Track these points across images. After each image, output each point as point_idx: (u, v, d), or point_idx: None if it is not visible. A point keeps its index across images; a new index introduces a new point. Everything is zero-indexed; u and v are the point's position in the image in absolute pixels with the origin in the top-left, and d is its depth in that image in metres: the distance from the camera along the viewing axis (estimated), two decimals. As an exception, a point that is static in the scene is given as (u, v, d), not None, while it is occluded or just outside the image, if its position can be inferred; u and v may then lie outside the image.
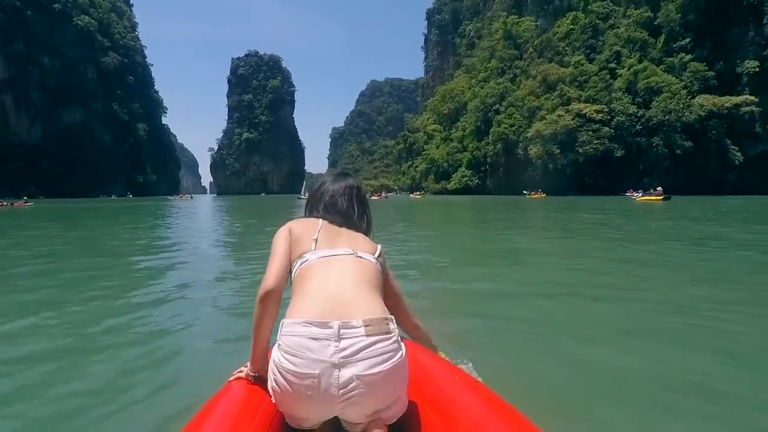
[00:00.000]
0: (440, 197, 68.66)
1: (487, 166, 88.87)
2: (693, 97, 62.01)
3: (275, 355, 1.08)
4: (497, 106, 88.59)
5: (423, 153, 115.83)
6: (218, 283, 5.06)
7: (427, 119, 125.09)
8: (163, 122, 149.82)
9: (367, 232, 1.43)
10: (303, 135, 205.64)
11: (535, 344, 2.80)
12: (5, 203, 35.44)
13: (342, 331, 1.03)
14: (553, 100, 77.13)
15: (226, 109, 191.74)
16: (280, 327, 1.11)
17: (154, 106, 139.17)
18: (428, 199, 62.02)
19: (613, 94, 70.13)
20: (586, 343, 2.82)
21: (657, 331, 3.02)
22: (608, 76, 72.55)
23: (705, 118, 59.92)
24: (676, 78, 64.44)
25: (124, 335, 3.06)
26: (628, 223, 13.76)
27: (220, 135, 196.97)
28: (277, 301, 1.18)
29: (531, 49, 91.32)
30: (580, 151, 68.15)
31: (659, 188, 37.44)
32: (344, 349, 1.01)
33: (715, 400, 2.04)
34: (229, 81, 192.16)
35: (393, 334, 1.08)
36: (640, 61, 69.42)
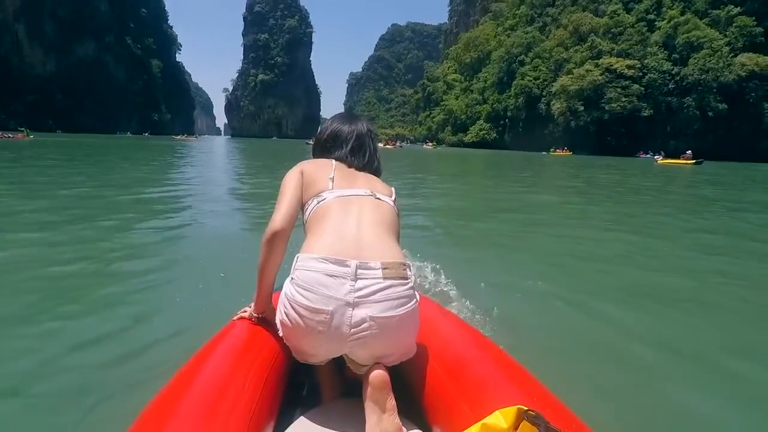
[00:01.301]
0: (456, 150, 67.08)
1: (507, 120, 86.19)
2: (735, 56, 57.78)
3: (287, 288, 1.07)
4: (523, 57, 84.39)
5: (441, 103, 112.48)
6: (228, 220, 5.35)
7: (448, 68, 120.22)
8: (177, 59, 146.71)
9: (378, 176, 1.41)
10: (319, 79, 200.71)
11: (552, 306, 2.72)
12: (2, 134, 35.15)
13: (359, 271, 1.02)
14: (582, 52, 72.87)
15: (242, 48, 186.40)
16: (294, 261, 1.09)
17: (167, 42, 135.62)
18: (440, 150, 60.66)
19: (648, 49, 65.78)
20: (602, 305, 2.75)
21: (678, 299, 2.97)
22: (645, 29, 67.73)
23: (745, 78, 56.09)
24: (720, 33, 59.76)
25: (127, 270, 3.13)
26: (663, 186, 13.00)
27: (235, 76, 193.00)
28: (283, 244, 1.16)
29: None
30: (606, 108, 65.12)
31: (688, 152, 35.34)
32: (360, 289, 1.01)
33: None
34: (244, 18, 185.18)
35: (409, 280, 1.08)
36: (682, 13, 64.29)
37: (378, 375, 1.04)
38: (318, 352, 1.08)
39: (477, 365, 1.04)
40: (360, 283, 1.01)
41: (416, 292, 1.11)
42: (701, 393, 1.78)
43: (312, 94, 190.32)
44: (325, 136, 1.42)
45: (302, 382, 1.33)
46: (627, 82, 64.64)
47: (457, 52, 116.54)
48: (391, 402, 1.02)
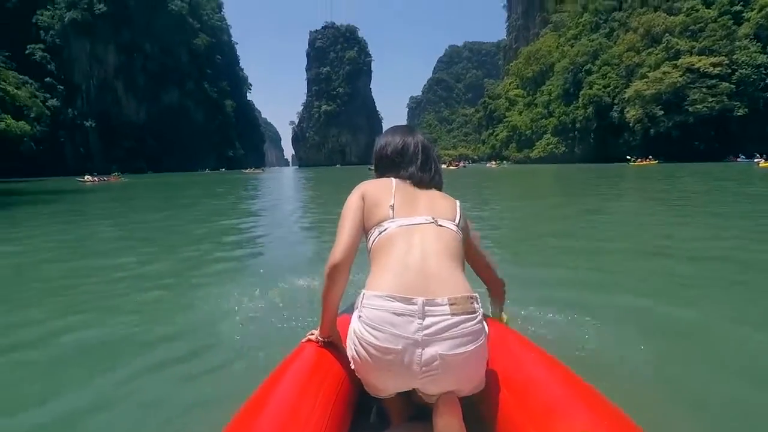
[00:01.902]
0: (522, 166, 64.41)
1: (576, 132, 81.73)
2: None
3: (356, 325, 1.07)
4: (589, 65, 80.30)
5: (504, 120, 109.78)
6: (296, 246, 5.79)
7: (509, 84, 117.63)
8: (248, 98, 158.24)
9: (440, 189, 1.37)
10: (380, 105, 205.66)
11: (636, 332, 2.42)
12: (99, 179, 39.01)
13: (426, 308, 1.00)
14: (657, 54, 67.64)
15: (305, 82, 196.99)
16: (360, 298, 1.09)
17: (239, 83, 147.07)
18: (505, 167, 58.31)
19: (737, 43, 59.39)
20: (692, 326, 2.50)
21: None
22: (731, 22, 61.42)
23: None
24: (825, 17, 52.60)
25: (203, 295, 3.37)
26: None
27: (300, 109, 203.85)
28: (344, 275, 1.17)
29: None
30: (690, 111, 59.33)
31: None
32: (428, 327, 0.99)
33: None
34: (307, 54, 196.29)
35: (478, 314, 1.06)
36: (775, 0, 57.61)
37: (448, 403, 1.06)
38: (387, 387, 1.08)
39: (546, 388, 1.01)
40: (428, 321, 0.99)
41: (485, 324, 1.09)
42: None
43: (373, 121, 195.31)
44: (389, 151, 1.36)
45: (370, 405, 1.33)
46: (713, 81, 58.53)
47: (518, 67, 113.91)
48: (462, 429, 1.05)
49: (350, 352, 1.10)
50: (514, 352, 1.22)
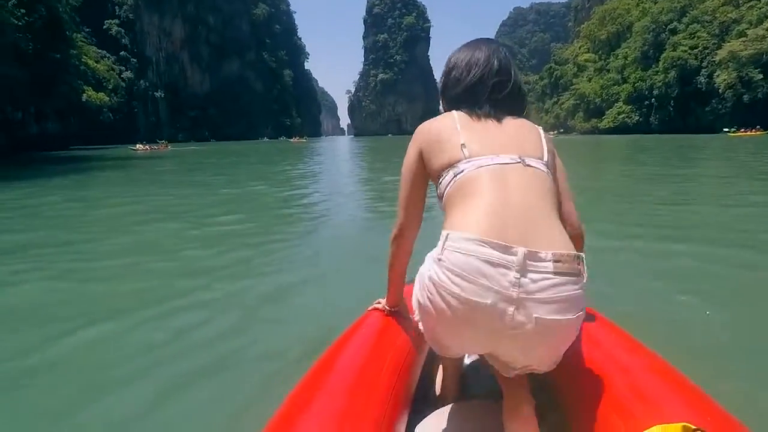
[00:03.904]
0: (589, 137, 59.60)
1: (653, 99, 74.24)
2: None
3: (432, 270, 0.87)
4: (675, 23, 71.80)
5: (571, 88, 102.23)
6: (357, 215, 5.94)
7: (579, 48, 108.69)
8: (305, 68, 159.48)
9: (521, 114, 1.10)
10: (438, 73, 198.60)
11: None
12: (151, 147, 40.65)
13: (528, 262, 0.82)
14: (761, 8, 58.77)
15: (362, 51, 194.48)
16: (443, 239, 0.88)
17: (297, 53, 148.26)
18: (567, 138, 54.16)
19: None
20: None
21: None
22: None
23: None
24: None
25: (269, 264, 3.56)
26: None
27: (356, 77, 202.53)
28: (410, 241, 1.09)
29: (733, -58, 69.72)
30: (797, 74, 51.39)
31: None
32: (526, 284, 0.81)
33: None
34: (365, 21, 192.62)
35: (582, 277, 0.87)
36: None
37: (519, 382, 0.96)
38: (462, 345, 0.93)
39: (632, 374, 0.92)
40: (527, 277, 0.82)
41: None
42: None
43: (430, 89, 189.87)
44: (456, 74, 1.10)
45: (433, 378, 1.29)
46: (831, 39, 50.02)
47: (591, 29, 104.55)
48: (531, 409, 0.93)
49: (420, 299, 0.91)
50: (597, 333, 1.12)
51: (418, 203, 1.07)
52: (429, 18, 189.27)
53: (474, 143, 0.98)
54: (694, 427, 0.57)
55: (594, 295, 1.27)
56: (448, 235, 0.88)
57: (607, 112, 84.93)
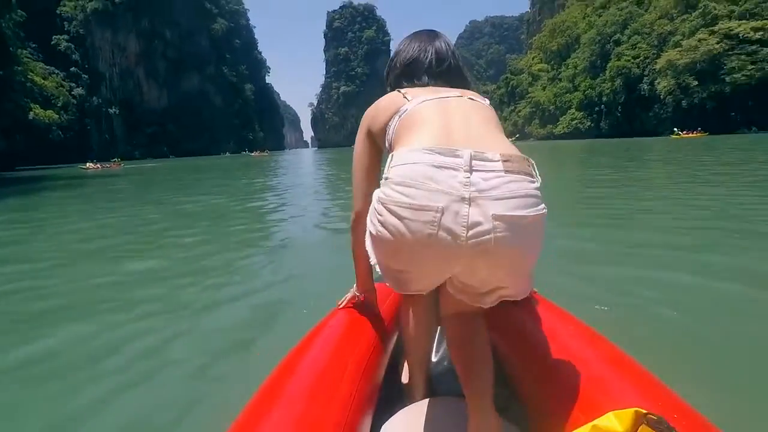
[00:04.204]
0: (545, 143, 62.15)
1: (602, 106, 78.47)
2: None
3: (379, 193, 0.84)
4: (618, 35, 76.52)
5: (527, 96, 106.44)
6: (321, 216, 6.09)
7: (533, 58, 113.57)
8: (266, 81, 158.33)
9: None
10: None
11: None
12: (102, 165, 38.71)
13: (474, 162, 0.78)
14: (692, 21, 63.54)
15: (324, 63, 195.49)
16: (388, 161, 0.86)
17: (258, 67, 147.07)
18: (523, 144, 56.25)
19: (781, 5, 55.13)
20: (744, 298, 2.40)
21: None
22: (775, -18, 56.96)
23: None
24: None
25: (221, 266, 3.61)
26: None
27: (318, 90, 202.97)
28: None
29: (666, -40, 75.43)
30: (727, 80, 55.80)
31: None
32: (476, 183, 0.77)
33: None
34: (325, 35, 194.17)
35: (537, 180, 0.83)
36: (825, -45, 53.00)
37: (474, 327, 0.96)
38: (422, 268, 0.84)
39: (588, 362, 0.94)
40: (476, 176, 0.77)
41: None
42: None
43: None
44: (400, 60, 1.13)
45: (400, 377, 1.28)
46: (754, 47, 54.69)
47: (542, 41, 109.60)
48: (491, 401, 0.90)
49: (373, 229, 0.85)
50: (553, 322, 1.14)
51: (371, 187, 1.02)
52: (389, 31, 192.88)
53: (417, 92, 1.00)
54: (644, 411, 0.59)
55: (549, 286, 1.69)
56: (392, 155, 0.86)
57: (561, 119, 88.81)
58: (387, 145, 0.99)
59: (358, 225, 1.06)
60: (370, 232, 0.87)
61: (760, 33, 54.42)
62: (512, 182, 0.78)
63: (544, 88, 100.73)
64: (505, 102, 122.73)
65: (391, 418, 1.02)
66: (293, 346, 1.05)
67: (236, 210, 7.41)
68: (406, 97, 0.98)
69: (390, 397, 1.16)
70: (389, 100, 1.02)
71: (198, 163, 37.66)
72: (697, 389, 1.03)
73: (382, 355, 1.12)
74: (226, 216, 6.70)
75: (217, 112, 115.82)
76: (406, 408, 1.06)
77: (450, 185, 0.77)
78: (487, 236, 0.76)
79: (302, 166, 26.01)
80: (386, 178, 0.83)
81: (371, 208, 0.87)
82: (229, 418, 0.80)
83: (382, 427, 1.00)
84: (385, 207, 0.81)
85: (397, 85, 1.10)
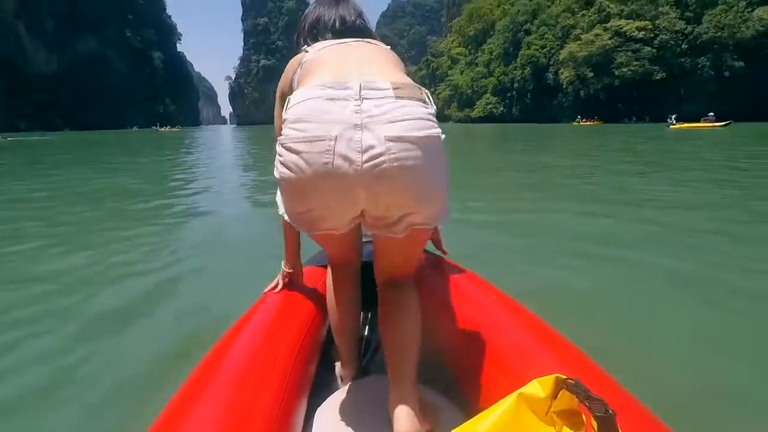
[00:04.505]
0: (460, 126, 65.55)
1: (514, 92, 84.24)
2: (753, 10, 55.11)
3: (280, 139, 0.84)
4: (528, 25, 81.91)
5: (446, 79, 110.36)
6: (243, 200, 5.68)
7: (452, 42, 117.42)
8: (178, 50, 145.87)
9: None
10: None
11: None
12: None
13: (365, 91, 0.80)
14: (590, 16, 70.22)
15: (242, 34, 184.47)
16: (285, 105, 0.88)
17: (167, 33, 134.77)
18: (442, 126, 59.06)
19: (660, 9, 63.04)
20: (647, 265, 2.64)
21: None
22: (656, -14, 64.90)
23: (763, 34, 53.61)
24: (736, -13, 57.06)
25: (146, 251, 3.22)
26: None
27: (237, 63, 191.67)
28: None
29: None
30: (616, 74, 63.07)
31: (710, 114, 33.88)
32: (368, 109, 0.79)
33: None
34: (242, 3, 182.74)
35: (430, 106, 0.85)
36: (694, -32, 61.40)
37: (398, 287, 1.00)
38: (326, 200, 0.83)
39: (512, 332, 0.98)
40: (367, 104, 0.79)
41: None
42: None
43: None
44: (305, 25, 1.17)
45: (334, 361, 1.28)
46: (638, 45, 62.17)
47: (461, 25, 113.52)
48: (410, 376, 0.91)
49: (276, 173, 0.87)
50: (478, 295, 1.17)
51: None
52: (311, 4, 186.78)
53: (317, 45, 1.03)
54: (564, 376, 0.63)
55: (471, 258, 1.95)
56: (288, 98, 0.87)
57: (477, 103, 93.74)
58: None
59: None
60: (277, 179, 0.87)
61: (643, 32, 62.02)
62: (404, 107, 0.80)
63: (462, 72, 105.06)
64: (426, 84, 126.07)
65: (324, 402, 1.04)
66: (222, 334, 1.04)
67: (147, 191, 6.56)
68: (306, 50, 1.01)
69: (326, 382, 1.18)
70: (293, 59, 1.04)
71: (94, 138, 33.43)
72: (609, 353, 1.13)
73: (315, 338, 1.13)
74: (134, 196, 6.00)
75: (121, 80, 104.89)
76: (338, 390, 1.07)
77: (342, 115, 0.78)
78: (382, 158, 0.77)
79: (217, 144, 23.44)
80: (284, 120, 0.84)
81: (276, 146, 0.86)
82: (154, 412, 0.78)
83: (316, 411, 1.02)
84: (283, 147, 0.82)
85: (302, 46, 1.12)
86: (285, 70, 1.07)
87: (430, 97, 0.87)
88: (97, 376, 1.66)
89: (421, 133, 0.79)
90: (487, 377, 0.92)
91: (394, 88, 0.82)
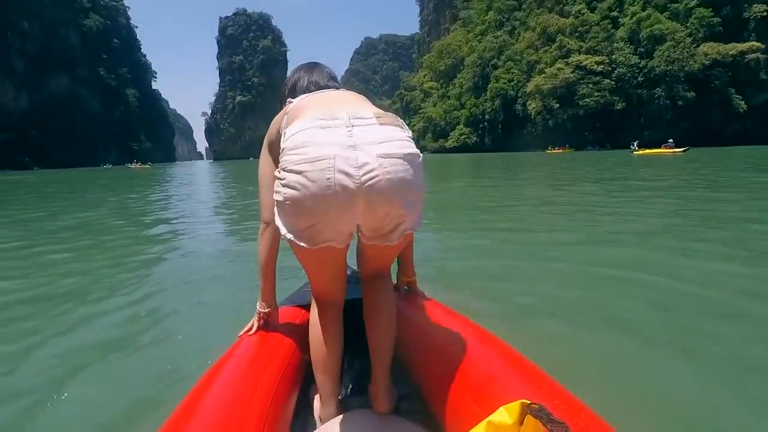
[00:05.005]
0: (436, 156, 67.39)
1: (486, 123, 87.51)
2: (698, 45, 60.10)
3: (281, 165, 0.93)
4: (495, 60, 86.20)
5: (420, 112, 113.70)
6: (223, 237, 5.28)
7: (424, 76, 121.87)
8: (153, 88, 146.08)
9: None
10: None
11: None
12: None
13: (353, 120, 0.94)
14: (552, 52, 74.82)
15: (217, 71, 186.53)
16: (282, 139, 0.97)
17: (142, 71, 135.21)
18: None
19: (615, 45, 67.92)
20: (610, 291, 2.66)
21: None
22: (610, 26, 69.98)
23: (709, 67, 58.34)
24: (681, 25, 62.19)
25: (121, 295, 2.95)
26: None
27: (212, 99, 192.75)
28: (275, 234, 1.15)
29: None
30: (580, 104, 66.85)
31: (670, 141, 35.58)
32: (358, 135, 0.91)
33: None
34: (218, 42, 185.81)
35: (407, 131, 0.99)
36: (643, 9, 66.75)
37: (381, 372, 1.09)
38: (329, 214, 0.90)
39: (482, 360, 1.02)
40: (356, 130, 0.92)
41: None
42: (728, 389, 1.62)
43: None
44: (287, 87, 1.34)
45: (312, 399, 1.27)
46: (598, 78, 66.48)
47: (431, 60, 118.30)
48: (391, 399, 1.08)
49: (278, 196, 0.94)
50: (448, 324, 1.22)
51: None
52: (285, 42, 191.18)
53: (300, 96, 1.17)
54: (528, 402, 0.64)
55: (442, 289, 2.13)
56: (285, 132, 0.97)
57: (451, 134, 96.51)
58: (281, 138, 1.05)
59: (264, 232, 1.18)
60: (277, 202, 0.95)
61: (602, 66, 66.40)
62: (387, 131, 0.94)
63: (435, 105, 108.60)
64: (400, 116, 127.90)
65: None
66: (198, 380, 1.03)
67: (116, 228, 6.17)
68: (290, 101, 1.16)
69: (304, 421, 1.19)
70: (279, 113, 1.17)
71: (57, 177, 30.80)
72: (575, 377, 1.14)
73: (293, 379, 1.14)
74: (104, 233, 5.69)
75: (95, 118, 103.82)
76: (320, 428, 1.06)
77: (336, 139, 0.90)
78: (376, 172, 0.88)
79: (191, 180, 21.11)
80: (282, 149, 0.93)
81: (275, 184, 0.96)
82: None
83: None
84: (285, 170, 0.91)
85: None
86: (271, 123, 1.19)
87: (405, 125, 1.02)
88: (68, 419, 1.55)
89: (405, 151, 0.93)
90: (459, 404, 0.94)
91: (377, 117, 0.96)
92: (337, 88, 1.27)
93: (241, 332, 1.26)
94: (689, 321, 2.20)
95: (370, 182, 0.88)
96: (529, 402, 0.64)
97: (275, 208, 0.98)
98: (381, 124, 0.95)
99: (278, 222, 0.98)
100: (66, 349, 2.11)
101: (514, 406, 0.65)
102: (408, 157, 0.93)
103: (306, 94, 1.16)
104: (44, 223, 6.87)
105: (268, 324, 1.26)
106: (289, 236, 0.96)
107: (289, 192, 0.90)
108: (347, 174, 0.87)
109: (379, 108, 1.04)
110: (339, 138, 0.90)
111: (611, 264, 3.16)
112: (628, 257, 3.41)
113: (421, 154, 0.98)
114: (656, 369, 1.75)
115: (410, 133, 0.99)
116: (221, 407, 0.89)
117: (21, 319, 2.55)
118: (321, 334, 1.13)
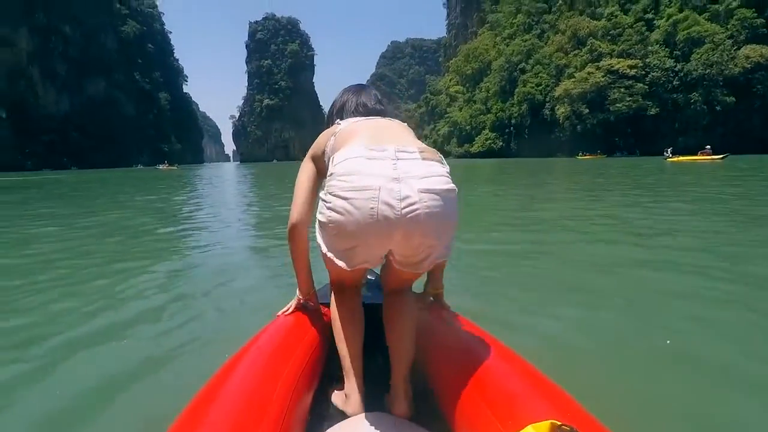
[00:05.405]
0: (462, 161, 66.44)
1: (512, 128, 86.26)
2: (738, 48, 57.44)
3: (326, 188, 1.02)
4: (523, 64, 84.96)
5: (445, 116, 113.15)
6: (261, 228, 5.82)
7: (450, 80, 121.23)
8: (184, 91, 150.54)
9: None
10: (324, 100, 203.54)
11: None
12: None
13: (398, 153, 1.01)
14: (582, 56, 73.09)
15: (246, 75, 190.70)
16: (330, 164, 1.06)
17: (174, 75, 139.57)
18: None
19: (649, 48, 65.72)
20: (639, 314, 2.47)
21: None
22: (644, 28, 67.79)
23: (750, 70, 55.64)
24: (721, 27, 59.56)
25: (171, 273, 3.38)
26: None
27: (240, 102, 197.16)
28: (304, 233, 1.21)
29: (561, 2, 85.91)
30: (611, 109, 64.90)
31: (708, 147, 33.30)
32: (402, 167, 0.99)
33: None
34: (247, 46, 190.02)
35: (446, 166, 1.06)
36: (680, 10, 64.33)
37: (402, 386, 1.12)
38: (368, 239, 0.99)
39: (504, 377, 1.01)
40: (401, 163, 0.99)
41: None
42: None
43: (318, 116, 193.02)
44: (336, 108, 1.40)
45: (332, 391, 1.28)
46: (630, 82, 64.44)
47: (458, 65, 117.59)
48: (408, 406, 1.11)
49: (322, 218, 1.02)
50: (472, 341, 1.21)
51: (310, 196, 1.22)
52: (313, 46, 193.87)
53: (347, 120, 1.25)
54: (559, 422, 0.62)
55: (465, 305, 2.06)
56: (333, 157, 1.06)
57: (476, 138, 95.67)
58: (326, 160, 1.18)
59: (294, 234, 1.21)
60: (320, 222, 1.04)
61: (635, 70, 64.33)
62: (429, 166, 1.01)
63: (461, 109, 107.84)
64: (425, 120, 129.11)
65: None
66: (231, 356, 1.07)
67: (153, 225, 6.38)
68: (338, 123, 1.23)
69: (324, 414, 1.20)
70: (326, 130, 1.26)
71: (91, 177, 31.77)
72: (599, 400, 1.13)
73: (314, 369, 1.16)
74: (138, 231, 5.85)
75: (129, 121, 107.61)
76: (337, 425, 1.08)
77: (382, 171, 0.97)
78: (417, 206, 0.95)
79: (219, 181, 21.41)
80: (331, 174, 1.02)
81: (319, 204, 1.05)
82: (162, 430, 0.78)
83: None
84: (332, 194, 0.99)
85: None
86: (318, 138, 1.27)
87: (444, 159, 1.09)
88: (104, 385, 1.71)
89: (444, 187, 1.00)
90: (481, 422, 0.93)
91: (420, 152, 1.04)
92: (383, 111, 1.37)
93: (280, 312, 1.34)
94: (742, 356, 1.94)
95: (410, 215, 0.95)
96: (559, 423, 0.63)
97: (316, 225, 1.07)
98: (423, 158, 1.02)
99: (319, 239, 1.07)
100: (103, 326, 2.32)
101: (543, 426, 0.64)
102: (445, 193, 1.00)
103: (356, 119, 1.24)
104: (110, 215, 7.58)
105: (305, 307, 1.33)
106: (330, 255, 1.05)
107: (334, 216, 0.98)
108: (390, 205, 0.94)
109: (405, 113, 1.17)
110: (385, 170, 0.97)
111: (662, 290, 2.83)
112: (678, 282, 3.04)
113: (456, 189, 1.04)
114: (695, 400, 1.62)
115: (449, 168, 1.06)
116: (244, 390, 0.92)
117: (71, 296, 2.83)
118: (342, 312, 1.20)
